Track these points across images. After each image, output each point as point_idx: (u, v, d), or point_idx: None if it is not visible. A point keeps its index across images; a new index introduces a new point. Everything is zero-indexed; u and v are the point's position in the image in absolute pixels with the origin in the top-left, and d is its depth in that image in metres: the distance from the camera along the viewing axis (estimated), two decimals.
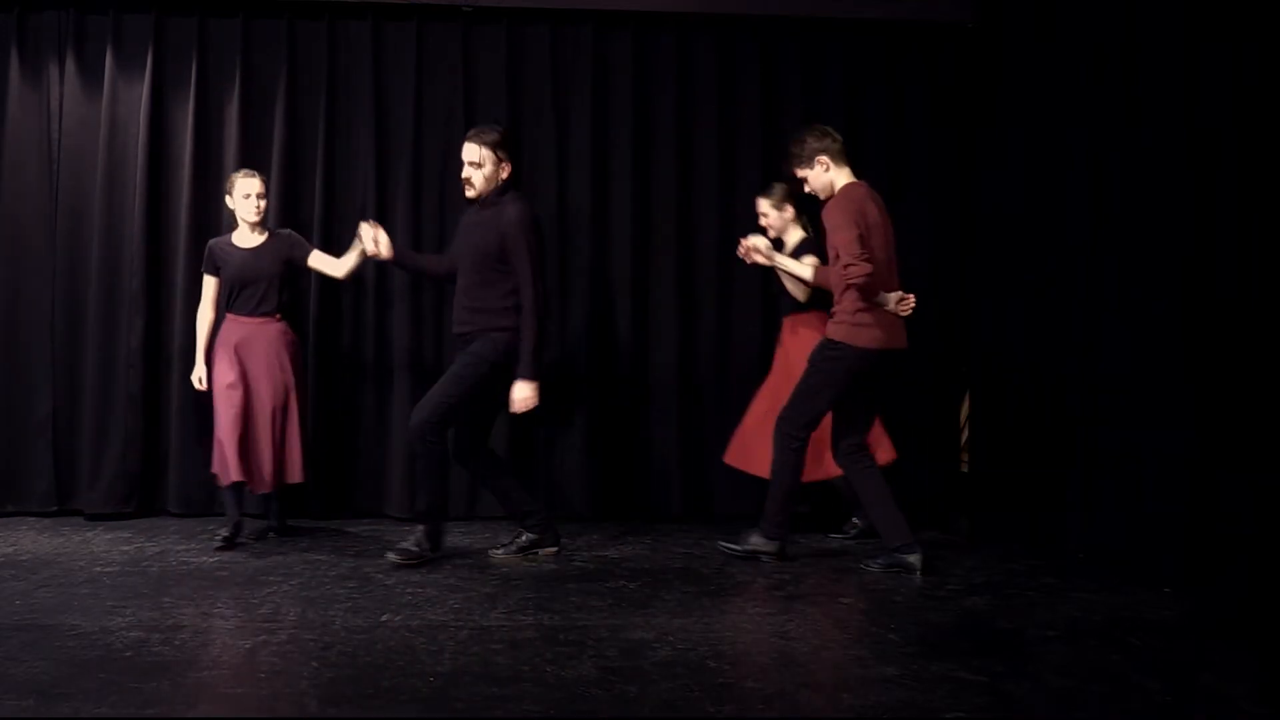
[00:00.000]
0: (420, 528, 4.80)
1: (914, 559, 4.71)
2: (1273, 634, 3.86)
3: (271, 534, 5.34)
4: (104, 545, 5.07)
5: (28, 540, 5.15)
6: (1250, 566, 4.28)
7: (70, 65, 5.88)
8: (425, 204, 6.02)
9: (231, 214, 5.29)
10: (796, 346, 5.36)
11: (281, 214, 5.84)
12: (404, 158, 6.00)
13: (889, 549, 4.78)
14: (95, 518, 5.67)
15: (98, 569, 4.57)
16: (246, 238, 5.22)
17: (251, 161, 5.90)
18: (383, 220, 6.00)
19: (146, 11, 5.89)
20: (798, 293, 5.41)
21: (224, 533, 5.06)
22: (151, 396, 5.82)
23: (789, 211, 5.55)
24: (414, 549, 4.73)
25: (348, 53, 6.04)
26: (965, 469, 6.33)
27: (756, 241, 5.14)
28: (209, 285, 5.25)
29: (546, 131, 6.09)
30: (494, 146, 4.79)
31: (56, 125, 5.89)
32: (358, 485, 5.96)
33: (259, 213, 5.19)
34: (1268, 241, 4.33)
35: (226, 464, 4.99)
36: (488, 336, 4.73)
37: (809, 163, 4.92)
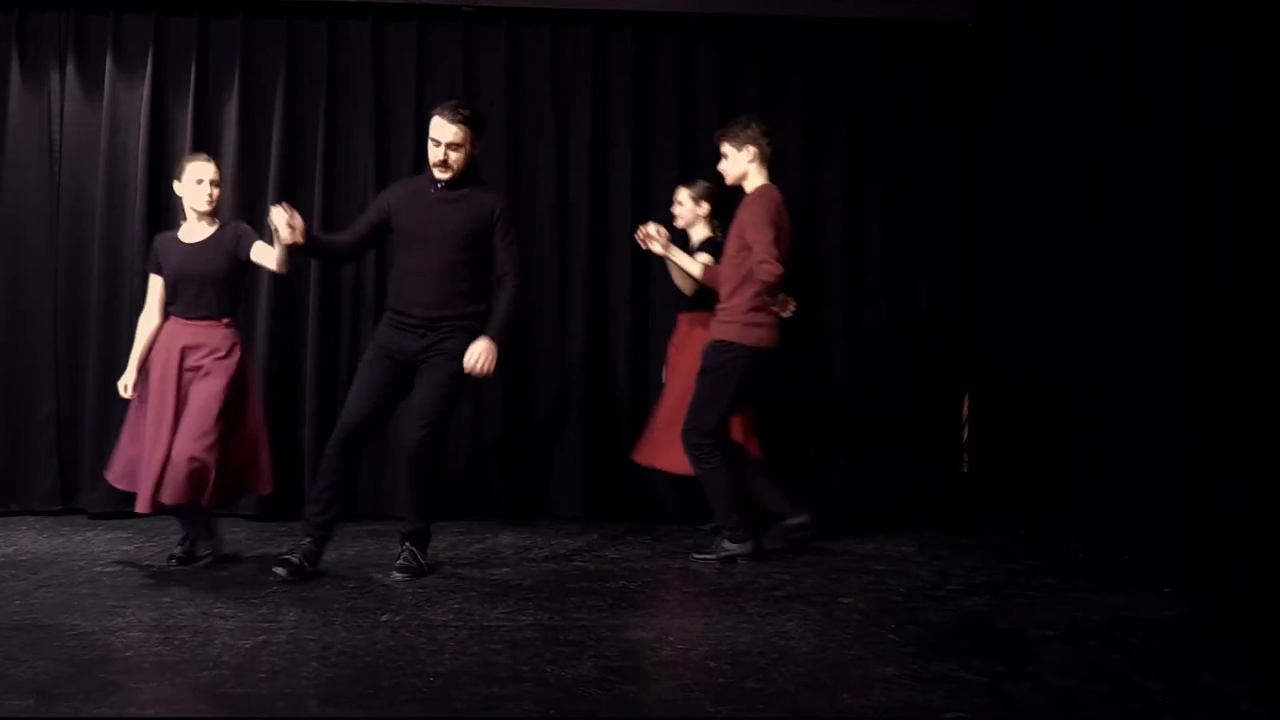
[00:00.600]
0: (406, 546, 4.58)
1: (747, 548, 4.90)
2: (1273, 634, 3.86)
3: (208, 556, 4.69)
4: (104, 545, 5.07)
5: (28, 540, 5.15)
6: (1250, 566, 4.28)
7: (70, 66, 5.88)
8: None
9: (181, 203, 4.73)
10: (692, 343, 5.29)
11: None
12: (404, 158, 5.99)
13: (726, 538, 4.93)
14: (97, 517, 5.67)
15: (98, 569, 4.57)
16: (194, 230, 4.69)
17: (251, 161, 5.92)
18: None
19: (146, 12, 5.89)
20: (685, 287, 5.42)
21: (176, 551, 4.68)
22: None
23: (704, 208, 5.52)
24: (414, 565, 4.54)
25: (348, 53, 6.04)
26: (965, 469, 6.34)
27: (654, 230, 5.14)
28: (154, 285, 4.74)
29: (546, 131, 6.09)
30: (472, 124, 4.50)
31: (57, 126, 5.89)
32: (358, 485, 5.95)
33: (210, 202, 4.65)
34: (1268, 241, 4.32)
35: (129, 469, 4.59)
36: (461, 329, 4.44)
37: (740, 144, 4.95)
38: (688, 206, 5.54)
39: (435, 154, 4.46)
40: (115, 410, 5.77)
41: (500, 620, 3.89)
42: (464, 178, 4.52)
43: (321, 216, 5.88)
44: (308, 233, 4.42)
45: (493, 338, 4.42)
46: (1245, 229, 4.43)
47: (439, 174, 4.48)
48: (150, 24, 5.89)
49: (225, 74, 5.95)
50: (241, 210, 5.83)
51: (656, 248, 5.14)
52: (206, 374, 4.53)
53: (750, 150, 4.93)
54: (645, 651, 3.53)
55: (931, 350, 6.24)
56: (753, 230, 4.78)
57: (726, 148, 4.98)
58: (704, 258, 5.32)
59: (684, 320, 5.54)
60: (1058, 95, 5.48)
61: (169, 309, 4.67)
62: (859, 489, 6.15)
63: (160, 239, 4.78)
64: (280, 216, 4.30)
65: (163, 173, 5.89)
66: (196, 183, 4.65)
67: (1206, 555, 4.47)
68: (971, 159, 6.27)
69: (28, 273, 5.86)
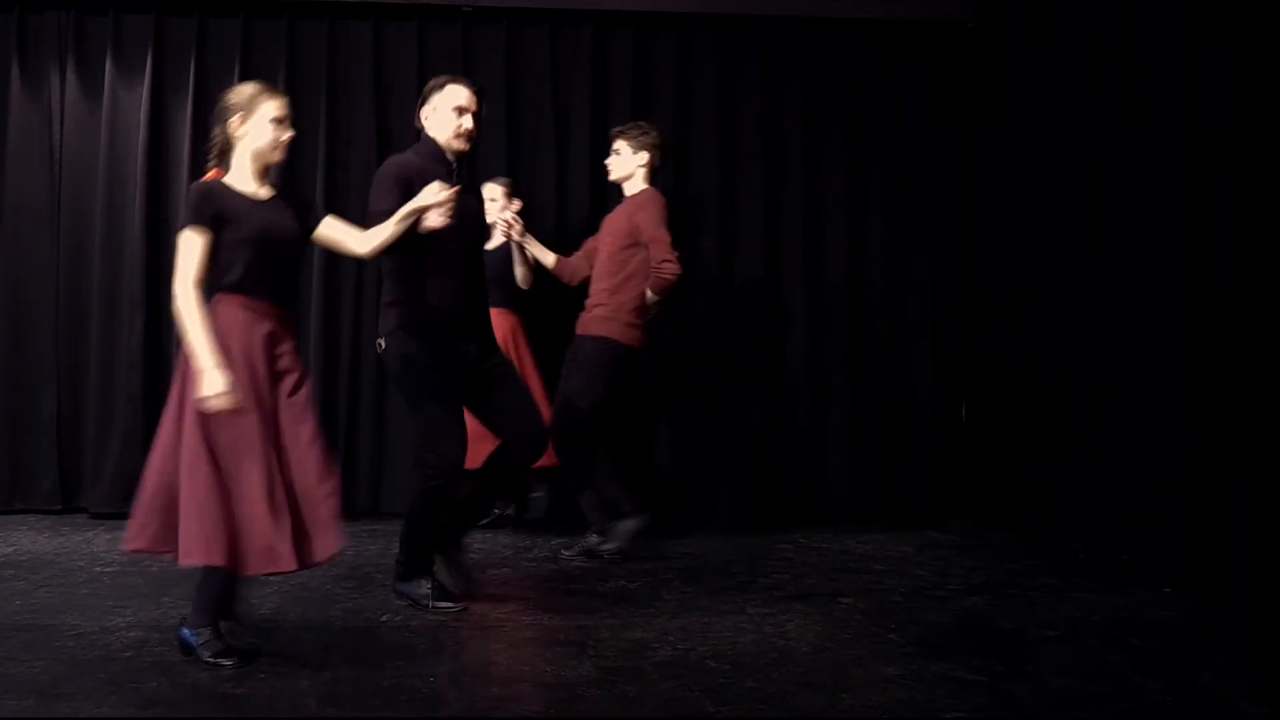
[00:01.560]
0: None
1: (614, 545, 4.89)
2: (1273, 634, 3.86)
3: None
4: (104, 545, 5.07)
5: (28, 540, 5.15)
6: (1250, 566, 4.27)
7: (71, 66, 5.88)
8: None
9: (219, 149, 3.47)
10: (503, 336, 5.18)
11: None
12: None
13: (601, 532, 4.93)
14: (98, 517, 5.67)
15: (98, 569, 4.57)
16: (251, 186, 3.43)
17: None
18: None
19: (146, 12, 5.89)
20: (525, 278, 5.46)
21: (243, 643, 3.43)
22: (152, 396, 5.81)
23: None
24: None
25: (348, 53, 6.04)
26: (965, 469, 6.34)
27: (512, 218, 5.18)
28: (202, 247, 3.28)
29: (546, 131, 6.09)
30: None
31: (58, 127, 5.89)
32: (358, 486, 5.96)
33: (285, 151, 3.52)
34: (1268, 241, 4.32)
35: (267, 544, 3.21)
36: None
37: (639, 146, 5.03)
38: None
39: (464, 123, 4.03)
40: (116, 411, 5.79)
41: (500, 620, 3.89)
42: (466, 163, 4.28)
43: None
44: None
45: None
46: (1245, 229, 4.43)
47: (464, 145, 4.07)
48: (150, 24, 5.89)
49: (225, 74, 5.94)
50: None
51: (515, 235, 5.19)
52: (302, 385, 3.37)
53: (648, 154, 5.04)
54: (645, 651, 3.53)
55: (931, 350, 6.24)
56: (652, 229, 4.88)
57: (622, 145, 5.05)
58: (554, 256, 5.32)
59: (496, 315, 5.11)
60: (1058, 95, 5.48)
61: (234, 287, 3.31)
62: (859, 489, 6.15)
63: (214, 187, 3.37)
64: (438, 193, 3.67)
65: (163, 173, 5.90)
66: (274, 122, 3.45)
67: (1206, 555, 4.47)
68: (971, 159, 6.28)
69: (29, 273, 5.86)
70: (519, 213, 5.41)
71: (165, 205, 5.90)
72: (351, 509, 5.89)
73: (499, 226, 5.21)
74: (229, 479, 3.18)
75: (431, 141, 4.09)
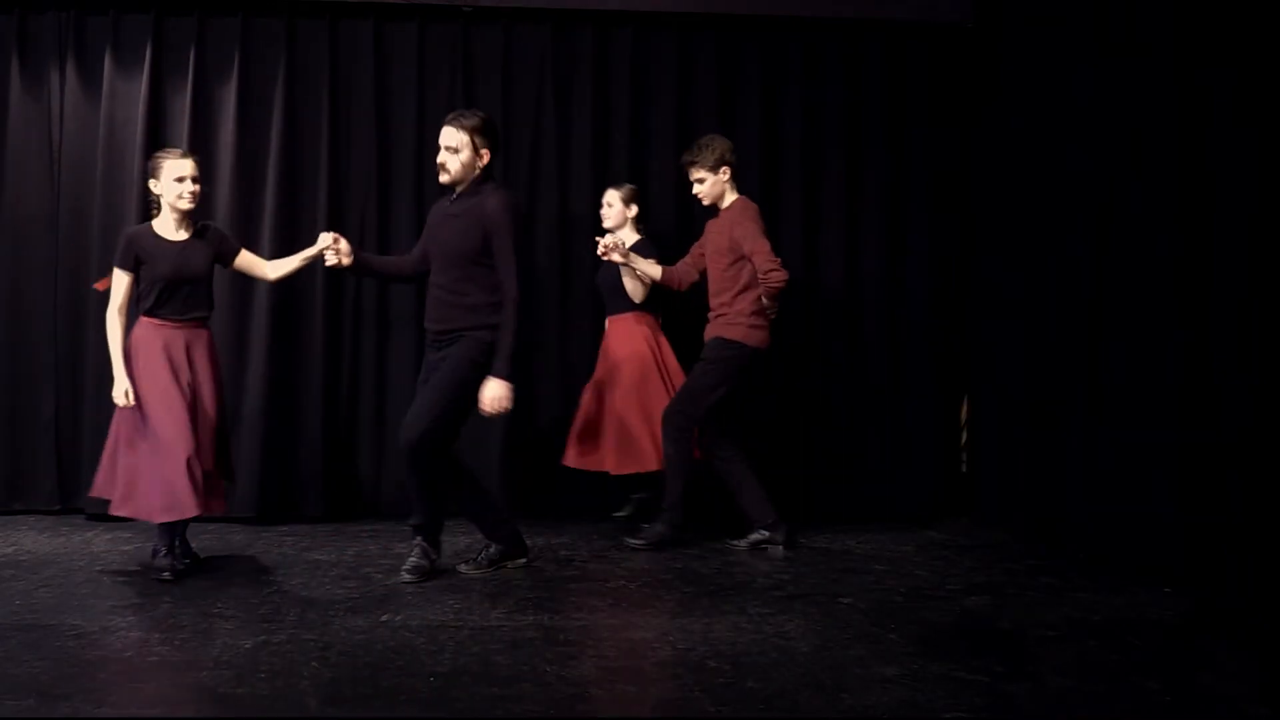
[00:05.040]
0: (418, 540, 4.56)
1: (779, 536, 5.18)
2: (1273, 634, 3.86)
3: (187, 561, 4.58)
4: (104, 545, 5.07)
5: (28, 540, 5.15)
6: (1250, 566, 4.28)
7: (70, 66, 5.87)
8: (426, 204, 6.00)
9: (156, 202, 4.57)
10: (618, 345, 5.58)
11: (281, 215, 5.83)
12: (405, 158, 6.00)
13: (757, 528, 5.21)
14: (97, 517, 5.66)
15: (98, 569, 4.57)
16: (171, 229, 4.54)
17: (251, 162, 5.90)
18: (383, 221, 6.03)
19: (146, 11, 5.88)
20: (637, 293, 5.56)
21: (168, 567, 4.42)
22: None
23: (633, 210, 5.69)
24: (424, 563, 4.52)
25: (348, 53, 6.04)
26: (965, 469, 6.34)
27: (615, 240, 5.26)
28: (123, 283, 4.50)
29: (547, 132, 6.08)
30: (473, 131, 4.48)
31: (57, 127, 5.88)
32: (358, 485, 5.96)
33: (193, 200, 4.51)
34: (1268, 240, 4.32)
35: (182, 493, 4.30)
36: (470, 337, 4.45)
37: (715, 168, 5.23)
38: (617, 208, 5.68)
39: (439, 159, 4.55)
40: (112, 412, 5.76)
41: (500, 620, 3.89)
42: (472, 187, 4.55)
43: (324, 218, 5.87)
44: (357, 255, 4.69)
45: (499, 376, 4.44)
46: (1245, 227, 4.42)
47: (442, 178, 4.58)
48: (149, 23, 5.88)
49: (225, 74, 5.94)
50: (240, 210, 5.84)
51: (617, 257, 5.26)
52: (212, 381, 4.55)
53: (726, 170, 5.23)
54: (645, 651, 3.53)
55: (931, 351, 6.24)
56: (751, 242, 5.09)
57: (700, 173, 5.22)
58: (650, 261, 5.45)
59: (623, 321, 5.63)
60: (1057, 95, 5.48)
61: (152, 310, 4.47)
62: (858, 489, 6.15)
63: (137, 234, 4.55)
64: (326, 241, 4.58)
65: None
66: (177, 180, 4.49)
67: (1206, 555, 4.47)
68: (971, 159, 6.28)
69: (28, 273, 5.86)
70: (637, 219, 5.67)
71: None
72: (352, 509, 5.91)
73: (600, 249, 5.25)
74: (148, 451, 4.38)
75: None
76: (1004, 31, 6.04)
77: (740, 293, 5.16)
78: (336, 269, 4.65)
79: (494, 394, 4.42)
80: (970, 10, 6.21)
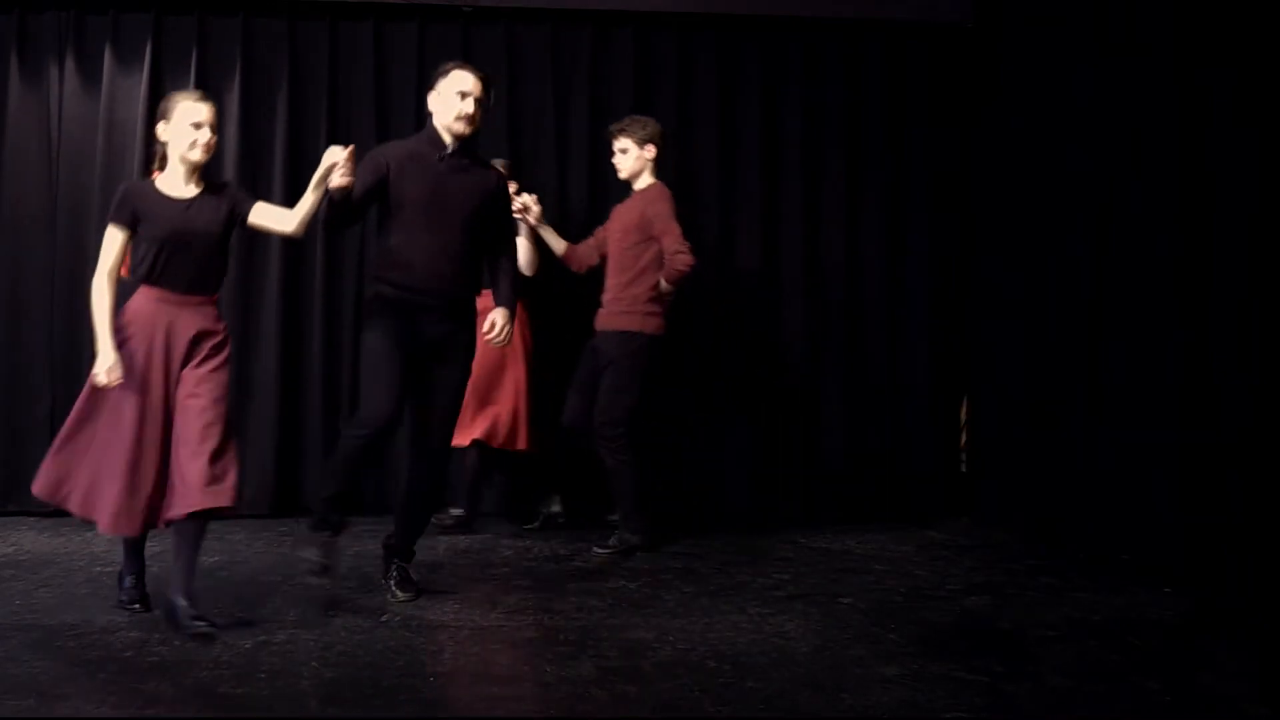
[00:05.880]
0: (398, 563, 4.27)
1: (643, 540, 5.08)
2: (1273, 634, 3.86)
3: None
4: (104, 545, 5.05)
5: (28, 540, 5.15)
6: (1250, 566, 4.28)
7: (70, 65, 5.87)
8: None
9: (160, 153, 3.87)
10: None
11: None
12: None
13: (626, 529, 5.10)
14: None
15: (98, 569, 4.57)
16: (178, 186, 3.79)
17: (252, 161, 5.91)
18: None
19: (146, 11, 5.88)
20: (530, 265, 5.46)
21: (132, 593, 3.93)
22: None
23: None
24: (413, 581, 4.25)
25: (348, 53, 6.04)
26: (965, 469, 6.34)
27: (531, 200, 5.26)
28: (118, 243, 3.78)
29: (546, 132, 6.08)
30: (491, 88, 4.32)
31: (56, 125, 5.88)
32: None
33: (208, 150, 3.79)
34: (1268, 241, 4.32)
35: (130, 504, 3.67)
36: (470, 322, 4.25)
37: (642, 143, 5.17)
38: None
39: (464, 107, 4.13)
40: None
41: (500, 620, 3.89)
42: (469, 146, 4.25)
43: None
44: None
45: (510, 308, 4.28)
46: (1245, 227, 4.42)
47: (464, 128, 4.15)
48: (150, 22, 5.88)
49: (226, 73, 5.94)
50: None
51: (531, 219, 5.28)
52: (213, 368, 3.75)
53: (651, 148, 5.17)
54: (645, 651, 3.53)
55: (931, 351, 6.24)
56: (664, 222, 5.04)
57: (628, 143, 5.17)
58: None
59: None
60: (1057, 95, 5.48)
61: (148, 278, 3.77)
62: (858, 489, 6.15)
63: (135, 187, 3.85)
64: (339, 154, 3.77)
65: None
66: (193, 125, 3.76)
67: (1206, 555, 4.47)
68: (971, 159, 6.28)
69: (26, 272, 5.85)
70: (533, 197, 5.43)
71: None
72: (354, 510, 5.89)
73: (516, 210, 5.12)
74: (102, 443, 3.70)
75: (431, 125, 4.23)
76: (1004, 31, 6.04)
77: (638, 275, 5.08)
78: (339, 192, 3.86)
79: (503, 322, 4.23)
80: (970, 10, 6.21)
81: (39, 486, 3.76)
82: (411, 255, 4.07)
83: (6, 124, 5.86)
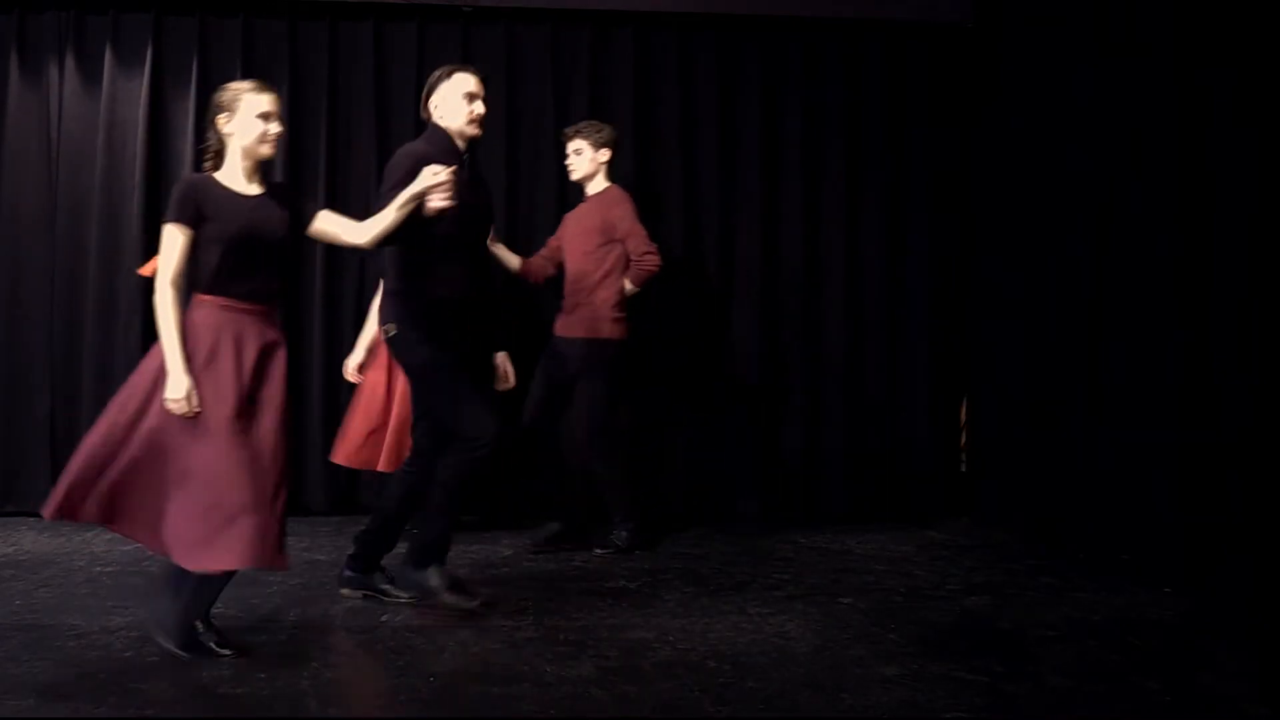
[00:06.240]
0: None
1: (636, 539, 5.12)
2: (1273, 634, 3.86)
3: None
4: (104, 545, 5.06)
5: (28, 540, 5.15)
6: (1250, 566, 4.28)
7: (70, 65, 5.87)
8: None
9: (214, 150, 3.52)
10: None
11: None
12: None
13: (625, 530, 5.11)
14: None
15: (98, 569, 4.57)
16: (240, 182, 3.44)
17: None
18: None
19: (146, 11, 5.89)
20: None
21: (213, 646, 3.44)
22: None
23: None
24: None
25: (348, 53, 6.04)
26: (965, 469, 6.34)
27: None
28: (182, 244, 3.34)
29: (546, 132, 6.08)
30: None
31: (56, 125, 5.88)
32: (360, 482, 5.95)
33: (274, 145, 3.50)
34: (1268, 241, 4.32)
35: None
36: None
37: (598, 146, 5.12)
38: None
39: (476, 109, 4.09)
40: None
41: (500, 620, 3.89)
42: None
43: None
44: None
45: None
46: (1245, 227, 4.42)
47: (476, 131, 4.13)
48: (150, 23, 5.88)
49: (226, 74, 5.91)
50: None
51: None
52: (277, 384, 3.38)
53: (606, 152, 5.15)
54: (645, 651, 3.53)
55: (931, 351, 6.24)
56: (629, 224, 5.05)
57: (583, 145, 5.12)
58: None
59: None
60: (1057, 95, 5.48)
61: (216, 285, 3.35)
62: (858, 489, 6.15)
63: (200, 182, 3.43)
64: (441, 175, 3.63)
65: (163, 172, 5.89)
66: (260, 116, 3.42)
67: (1206, 555, 4.47)
68: (971, 159, 6.28)
69: (25, 272, 5.85)
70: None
71: (165, 205, 5.87)
72: (356, 509, 5.89)
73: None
74: (197, 480, 3.20)
75: (441, 130, 4.13)
76: (1004, 31, 6.04)
77: (603, 280, 5.04)
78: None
79: None
80: (970, 10, 6.21)
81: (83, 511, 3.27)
82: (454, 266, 4.00)
83: (6, 124, 5.87)
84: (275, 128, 3.46)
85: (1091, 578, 4.64)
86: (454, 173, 3.68)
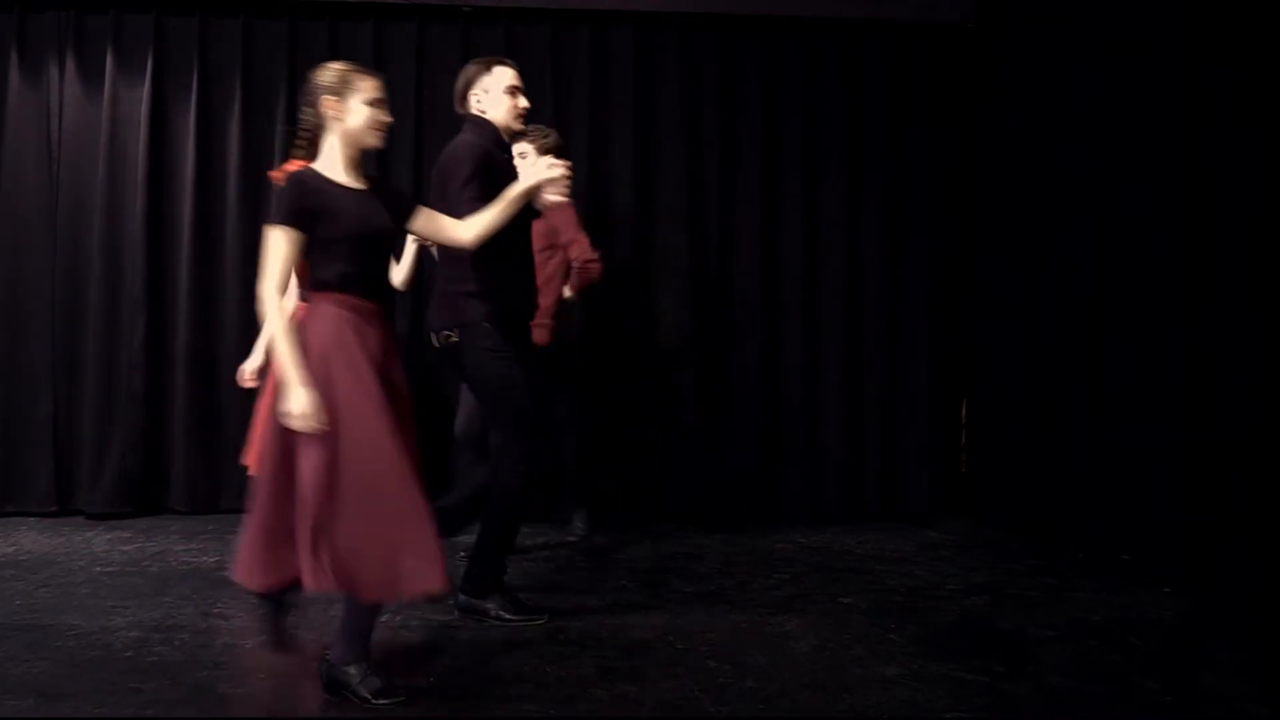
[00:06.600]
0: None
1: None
2: (1273, 634, 3.86)
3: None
4: (104, 545, 5.06)
5: (28, 540, 5.15)
6: (1250, 566, 4.28)
7: (71, 65, 5.88)
8: (426, 202, 6.01)
9: (310, 136, 3.21)
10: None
11: None
12: (406, 158, 6.00)
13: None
14: (96, 517, 5.66)
15: (98, 569, 4.57)
16: (341, 175, 3.15)
17: (253, 162, 5.90)
18: None
19: (147, 12, 5.89)
20: (406, 283, 5.01)
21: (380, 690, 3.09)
22: (154, 396, 5.82)
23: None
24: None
25: (349, 53, 6.02)
26: (965, 469, 6.34)
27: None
28: (293, 246, 3.03)
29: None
30: None
31: (56, 125, 5.88)
32: None
33: (382, 135, 3.23)
34: (1268, 241, 4.32)
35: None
36: None
37: (544, 150, 4.93)
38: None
39: (521, 102, 4.04)
40: (116, 411, 5.78)
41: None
42: None
43: None
44: None
45: None
46: (1245, 227, 4.42)
47: (521, 126, 4.10)
48: (151, 24, 5.88)
49: (227, 74, 5.95)
50: (245, 210, 5.84)
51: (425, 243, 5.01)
52: (402, 391, 3.15)
53: (548, 159, 4.94)
54: (645, 651, 3.53)
55: (931, 351, 6.24)
56: (572, 230, 5.03)
57: (528, 148, 4.89)
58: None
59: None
60: (1057, 95, 5.48)
61: (336, 283, 3.07)
62: (858, 489, 6.15)
63: (309, 178, 3.09)
64: (557, 169, 3.57)
65: (164, 172, 5.89)
66: (369, 103, 3.14)
67: (1206, 555, 4.47)
68: (971, 159, 6.28)
69: (26, 273, 5.85)
70: None
71: (167, 204, 5.89)
72: None
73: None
74: (369, 500, 2.94)
75: (487, 123, 4.00)
76: (1004, 31, 6.04)
77: (543, 286, 4.80)
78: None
79: None
80: (970, 10, 6.21)
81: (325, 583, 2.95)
82: (509, 271, 3.88)
83: (6, 124, 5.87)
84: (385, 116, 3.20)
85: (1091, 578, 4.64)
86: (569, 167, 3.55)
